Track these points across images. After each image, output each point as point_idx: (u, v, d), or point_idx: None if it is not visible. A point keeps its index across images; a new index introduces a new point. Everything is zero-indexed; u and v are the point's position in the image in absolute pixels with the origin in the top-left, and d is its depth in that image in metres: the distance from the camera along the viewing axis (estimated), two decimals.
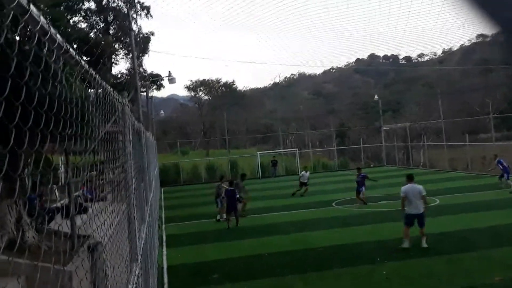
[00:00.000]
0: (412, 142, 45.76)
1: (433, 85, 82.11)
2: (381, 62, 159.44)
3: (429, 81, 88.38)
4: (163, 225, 17.65)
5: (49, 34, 1.80)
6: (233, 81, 79.52)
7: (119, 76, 40.09)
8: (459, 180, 26.00)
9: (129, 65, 38.29)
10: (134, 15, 33.31)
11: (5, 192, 7.37)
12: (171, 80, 33.82)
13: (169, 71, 33.78)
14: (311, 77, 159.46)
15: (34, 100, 1.89)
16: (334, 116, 56.77)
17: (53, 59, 2.01)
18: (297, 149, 42.44)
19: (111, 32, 33.36)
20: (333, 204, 19.91)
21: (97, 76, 2.95)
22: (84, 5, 31.48)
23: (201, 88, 75.92)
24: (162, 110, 57.90)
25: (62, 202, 11.66)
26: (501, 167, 21.36)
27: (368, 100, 76.99)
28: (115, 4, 33.36)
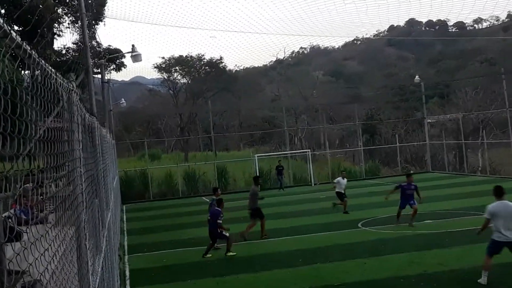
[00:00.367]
0: (467, 139, 45.96)
1: (494, 61, 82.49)
2: (424, 31, 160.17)
3: (489, 56, 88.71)
4: (126, 257, 17.67)
5: None
6: (221, 58, 79.14)
7: (63, 52, 40.04)
8: None
9: (78, 37, 38.22)
10: None
11: None
12: (136, 58, 33.81)
13: (133, 45, 33.81)
14: (327, 52, 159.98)
15: None
16: (360, 105, 56.88)
17: None
18: (309, 150, 42.49)
19: None
20: (359, 225, 19.98)
21: (34, 52, 2.95)
22: None
23: (177, 68, 75.82)
24: (123, 99, 57.61)
25: None
26: None
27: (406, 83, 77.22)
28: None
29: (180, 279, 14.08)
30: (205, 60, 76.28)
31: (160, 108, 78.42)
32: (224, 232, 16.42)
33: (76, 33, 38.63)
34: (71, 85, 4.70)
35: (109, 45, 45.46)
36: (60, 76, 4.11)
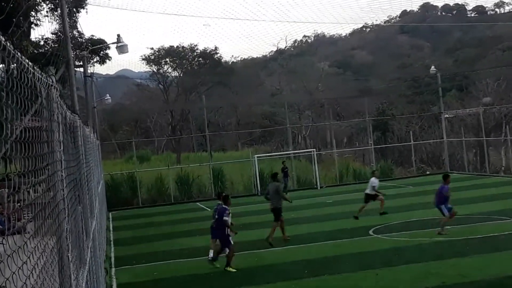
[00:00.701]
0: (489, 136, 45.97)
1: None
2: (440, 16, 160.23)
3: None
4: (113, 269, 17.66)
5: None
6: (216, 49, 79.06)
7: (41, 43, 40.02)
8: None
9: (57, 26, 38.18)
10: None
11: None
12: (121, 49, 33.78)
13: (118, 35, 33.72)
14: (333, 41, 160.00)
15: None
16: (370, 99, 56.93)
17: None
18: (314, 149, 42.49)
19: None
20: (370, 232, 19.99)
21: (8, 44, 2.95)
22: None
23: (167, 59, 75.74)
24: (108, 95, 57.54)
25: None
26: None
27: (421, 74, 77.29)
28: None
29: None
30: (199, 51, 76.23)
31: (149, 104, 78.37)
32: (230, 238, 16.08)
33: (56, 22, 38.58)
34: (51, 80, 4.70)
35: (92, 35, 45.44)
36: (38, 70, 4.11)
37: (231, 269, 15.75)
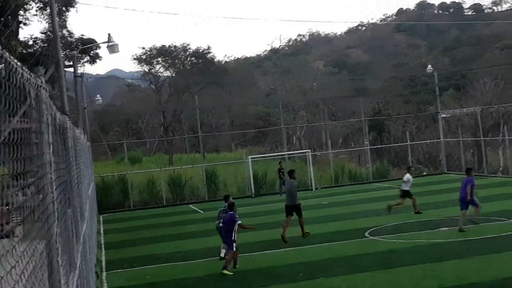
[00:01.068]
0: (487, 136, 46.12)
1: None
2: (437, 14, 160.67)
3: (510, 42, 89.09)
4: (104, 274, 17.63)
5: None
6: (208, 48, 79.08)
7: (30, 43, 39.97)
8: None
9: (46, 25, 38.16)
10: None
11: None
12: (112, 48, 33.75)
13: (109, 34, 33.68)
14: (328, 40, 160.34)
15: None
16: (366, 98, 57.02)
17: None
18: (309, 150, 42.51)
19: None
20: (366, 234, 20.02)
21: None
22: None
23: (159, 59, 75.64)
24: (98, 95, 57.41)
25: None
26: None
27: (417, 74, 77.44)
28: None
29: None
30: (191, 50, 76.26)
31: (141, 105, 78.29)
32: (235, 243, 16.07)
33: (45, 21, 38.55)
34: (40, 81, 4.69)
35: (82, 35, 45.47)
36: (27, 70, 4.10)
37: (227, 272, 15.72)
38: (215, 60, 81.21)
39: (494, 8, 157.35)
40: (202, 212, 32.16)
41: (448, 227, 19.90)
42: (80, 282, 7.31)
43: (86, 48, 42.09)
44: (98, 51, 45.65)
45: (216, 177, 38.67)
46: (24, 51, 34.09)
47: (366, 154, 43.87)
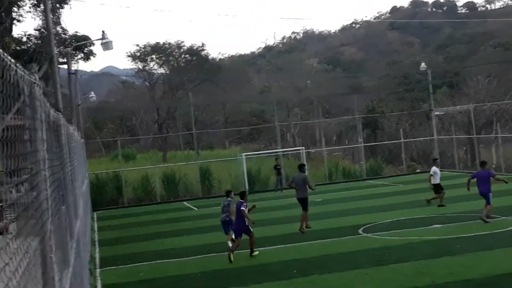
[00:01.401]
0: (480, 133, 46.26)
1: (509, 46, 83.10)
2: (430, 12, 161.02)
3: (503, 40, 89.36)
4: (97, 270, 17.62)
5: None
6: (203, 45, 78.95)
7: (24, 39, 39.81)
8: None
9: (40, 22, 38.04)
10: None
11: None
12: (106, 45, 33.70)
13: (103, 32, 33.62)
14: (322, 37, 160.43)
15: None
16: (360, 96, 57.13)
17: None
18: (303, 147, 42.56)
19: None
20: (360, 231, 20.08)
21: None
22: None
23: (153, 56, 75.56)
24: (93, 92, 57.41)
25: None
26: None
27: (411, 71, 77.61)
28: None
29: None
30: (185, 48, 76.22)
31: (135, 102, 78.23)
32: (250, 227, 17.23)
33: (39, 18, 38.44)
34: (33, 77, 4.68)
35: (76, 32, 45.33)
36: (20, 67, 4.10)
37: (256, 253, 17.31)
38: (209, 57, 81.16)
39: (488, 6, 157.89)
40: (196, 209, 32.16)
41: (441, 224, 19.97)
42: (74, 279, 7.30)
43: (80, 45, 41.96)
44: (92, 48, 45.53)
45: (210, 174, 38.65)
46: (17, 48, 33.97)
47: (360, 151, 43.94)
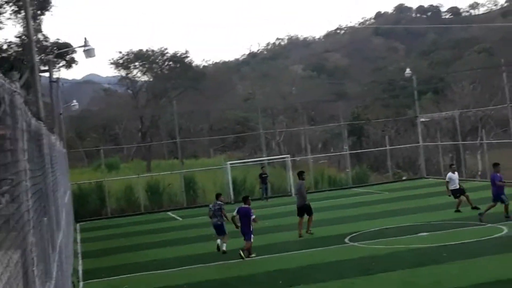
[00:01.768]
0: (465, 139, 46.59)
1: (493, 51, 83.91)
2: (415, 18, 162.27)
3: (487, 45, 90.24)
4: (81, 283, 17.50)
5: None
6: (186, 52, 79.23)
7: (5, 47, 39.56)
8: None
9: (21, 29, 37.80)
10: None
11: None
12: (89, 52, 33.55)
13: (85, 39, 33.49)
14: (307, 43, 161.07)
15: None
16: (345, 103, 57.43)
17: None
18: (288, 155, 42.62)
19: None
20: (346, 240, 20.10)
21: None
22: None
23: (136, 64, 75.46)
24: (75, 100, 57.04)
25: None
26: None
27: (396, 77, 78.11)
28: None
29: None
30: (169, 55, 76.23)
31: (118, 110, 77.94)
32: (252, 235, 18.28)
33: (19, 25, 38.21)
34: (14, 86, 4.66)
35: (58, 39, 45.10)
36: (1, 75, 4.08)
37: (253, 256, 18.15)
38: (193, 64, 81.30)
39: (472, 11, 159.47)
40: (180, 219, 32.06)
41: (427, 232, 20.05)
42: None
43: (62, 53, 41.80)
44: (74, 55, 45.34)
45: (195, 183, 38.56)
46: None
47: (346, 159, 44.05)
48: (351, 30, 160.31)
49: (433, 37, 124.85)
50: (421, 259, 15.99)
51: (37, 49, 25.33)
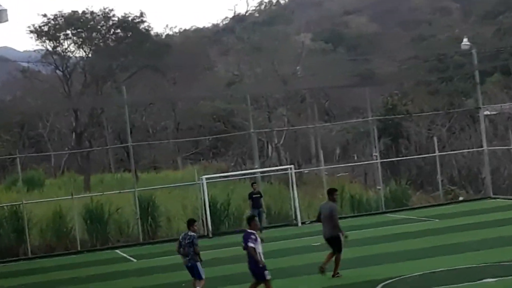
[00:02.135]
0: None
1: None
2: None
3: None
4: None
5: None
6: (141, 15, 78.73)
7: None
8: None
9: None
10: None
11: None
12: None
13: None
14: (318, 2, 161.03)
15: None
16: (374, 89, 57.45)
17: None
18: (292, 166, 42.59)
19: None
20: (380, 287, 20.21)
21: None
22: None
23: (68, 32, 75.33)
24: None
25: None
26: None
27: (448, 51, 78.32)
28: None
29: None
30: (115, 19, 76.10)
31: (42, 100, 77.84)
32: (266, 273, 17.91)
33: None
34: None
35: None
36: None
37: None
38: (152, 33, 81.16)
39: None
40: (134, 260, 32.06)
41: (494, 277, 20.11)
42: None
43: None
44: None
45: (155, 208, 38.52)
46: None
47: (376, 170, 44.07)
48: None
49: None
50: None
51: None
